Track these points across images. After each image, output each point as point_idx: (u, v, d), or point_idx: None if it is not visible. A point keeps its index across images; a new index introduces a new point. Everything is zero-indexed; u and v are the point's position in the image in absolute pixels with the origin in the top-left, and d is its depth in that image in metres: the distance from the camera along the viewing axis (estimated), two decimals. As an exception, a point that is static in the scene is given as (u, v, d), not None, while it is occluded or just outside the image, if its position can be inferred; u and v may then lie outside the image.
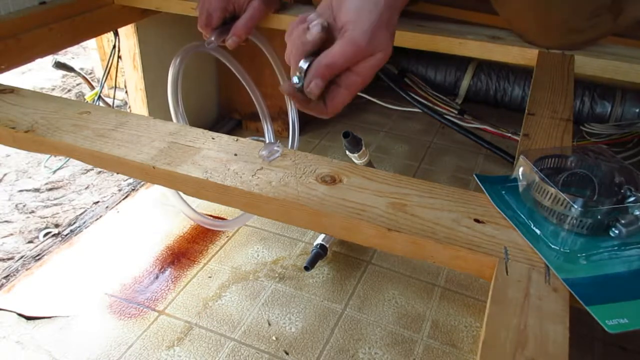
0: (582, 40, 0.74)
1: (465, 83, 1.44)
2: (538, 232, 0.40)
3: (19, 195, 1.08)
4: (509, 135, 1.30)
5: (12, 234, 0.98)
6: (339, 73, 0.49)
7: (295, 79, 0.49)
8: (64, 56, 1.75)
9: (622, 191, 0.41)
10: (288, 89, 0.50)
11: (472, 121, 1.34)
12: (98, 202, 1.06)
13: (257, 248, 0.94)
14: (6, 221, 1.01)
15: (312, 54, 0.48)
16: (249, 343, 0.76)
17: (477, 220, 0.42)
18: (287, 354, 0.75)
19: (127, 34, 1.03)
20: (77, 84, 1.53)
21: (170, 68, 0.82)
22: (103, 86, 1.13)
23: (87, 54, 1.75)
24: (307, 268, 0.86)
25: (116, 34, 1.03)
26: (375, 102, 1.47)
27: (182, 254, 0.93)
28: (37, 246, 0.93)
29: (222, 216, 1.02)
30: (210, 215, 0.98)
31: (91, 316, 0.80)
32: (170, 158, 0.50)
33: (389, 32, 0.48)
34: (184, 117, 0.85)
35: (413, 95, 1.35)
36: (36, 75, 1.59)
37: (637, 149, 1.23)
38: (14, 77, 1.57)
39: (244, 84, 0.89)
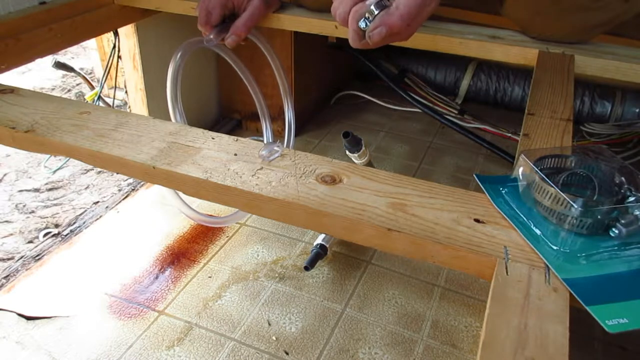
0: (592, 23, 0.73)
1: (465, 83, 1.44)
2: (538, 232, 0.40)
3: (19, 195, 1.08)
4: (509, 135, 1.30)
5: (12, 234, 0.98)
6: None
7: (362, 23, 0.53)
8: (64, 56, 1.75)
9: (622, 191, 0.41)
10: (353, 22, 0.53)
11: (472, 121, 1.35)
12: (98, 202, 1.06)
13: (257, 248, 0.94)
14: (6, 221, 1.01)
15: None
16: (249, 343, 0.76)
17: (477, 220, 0.42)
18: (287, 354, 0.75)
19: (127, 34, 1.03)
20: (77, 84, 1.53)
21: (170, 62, 0.82)
22: (103, 86, 1.13)
23: (87, 54, 1.75)
24: (307, 268, 0.86)
25: (116, 34, 1.03)
26: (375, 102, 1.47)
27: (182, 254, 0.93)
28: (37, 246, 0.93)
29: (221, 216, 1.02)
30: (210, 215, 0.98)
31: (91, 316, 0.80)
32: (170, 158, 0.50)
33: None
34: (182, 113, 0.85)
35: (413, 95, 1.35)
36: (36, 75, 1.59)
37: (637, 149, 1.23)
38: (14, 77, 1.57)
39: (244, 80, 0.89)
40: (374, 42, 0.53)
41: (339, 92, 1.50)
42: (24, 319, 0.79)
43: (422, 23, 0.55)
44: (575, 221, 0.39)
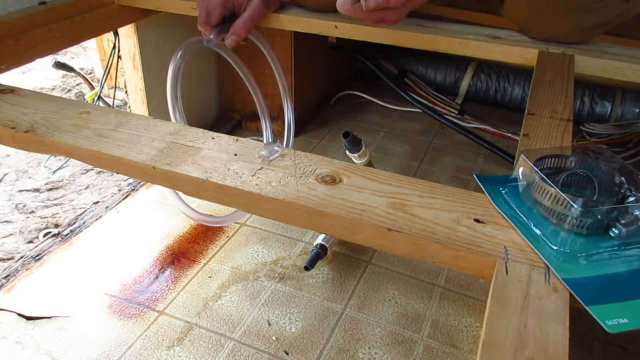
0: (592, 23, 0.73)
1: (465, 83, 1.44)
2: (538, 232, 0.40)
3: (19, 195, 1.08)
4: (509, 135, 1.30)
5: (12, 234, 0.98)
6: None
7: None
8: (64, 56, 1.75)
9: (622, 191, 0.41)
10: None
11: (472, 121, 1.35)
12: (98, 202, 1.06)
13: (257, 248, 0.94)
14: (6, 221, 1.01)
15: None
16: (249, 343, 0.76)
17: (477, 220, 0.42)
18: (287, 354, 0.75)
19: (127, 34, 1.03)
20: (77, 84, 1.53)
21: (170, 62, 0.82)
22: (103, 86, 1.13)
23: (87, 54, 1.75)
24: (307, 268, 0.86)
25: (116, 34, 1.03)
26: (375, 102, 1.47)
27: (182, 254, 0.93)
28: (37, 246, 0.93)
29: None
30: (210, 215, 0.98)
31: (91, 316, 0.80)
32: (170, 158, 0.50)
33: None
34: (182, 113, 0.85)
35: (413, 95, 1.35)
36: (36, 75, 1.59)
37: (637, 149, 1.23)
38: (14, 77, 1.57)
39: (244, 80, 0.89)
40: (367, 7, 0.53)
41: (339, 92, 1.50)
42: (24, 319, 0.79)
43: (413, 8, 0.55)
44: (575, 221, 0.39)
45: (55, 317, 0.79)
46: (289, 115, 0.96)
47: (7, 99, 0.60)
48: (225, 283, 0.87)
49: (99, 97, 1.14)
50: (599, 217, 0.39)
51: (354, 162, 0.88)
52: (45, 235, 0.97)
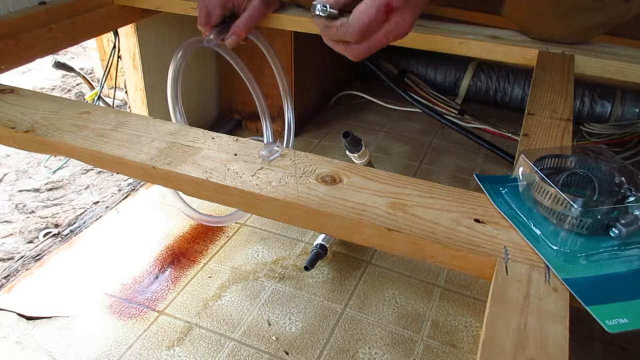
0: (592, 24, 0.73)
1: (465, 83, 1.44)
2: (538, 232, 0.40)
3: (19, 195, 1.08)
4: (509, 135, 1.30)
5: (12, 234, 0.98)
6: None
7: (317, 8, 0.53)
8: (64, 56, 1.75)
9: (622, 191, 0.41)
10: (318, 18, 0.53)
11: (472, 121, 1.35)
12: (98, 202, 1.06)
13: (257, 248, 0.94)
14: (6, 221, 1.01)
15: None
16: (249, 343, 0.76)
17: (477, 220, 0.42)
18: (287, 354, 0.75)
19: (127, 34, 1.03)
20: (77, 84, 1.53)
21: (171, 62, 0.82)
22: (103, 86, 1.13)
23: (87, 54, 1.75)
24: (307, 268, 0.86)
25: (116, 34, 1.03)
26: (375, 102, 1.47)
27: (182, 254, 0.93)
28: (37, 246, 0.93)
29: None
30: (210, 215, 0.98)
31: (91, 316, 0.80)
32: (170, 158, 0.50)
33: None
34: (183, 113, 0.85)
35: (413, 95, 1.35)
36: (36, 75, 1.59)
37: (637, 149, 1.23)
38: (14, 77, 1.57)
39: (245, 80, 0.89)
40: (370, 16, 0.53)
41: (339, 92, 1.50)
42: (24, 319, 0.79)
43: (419, 12, 0.55)
44: (575, 221, 0.39)
45: (55, 317, 0.79)
46: (289, 115, 0.96)
47: (7, 99, 0.60)
48: (225, 283, 0.87)
49: (99, 97, 1.14)
50: (599, 217, 0.39)
51: (354, 162, 0.88)
52: (45, 235, 0.97)
